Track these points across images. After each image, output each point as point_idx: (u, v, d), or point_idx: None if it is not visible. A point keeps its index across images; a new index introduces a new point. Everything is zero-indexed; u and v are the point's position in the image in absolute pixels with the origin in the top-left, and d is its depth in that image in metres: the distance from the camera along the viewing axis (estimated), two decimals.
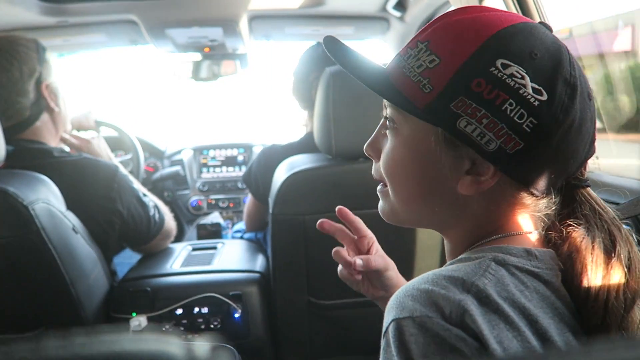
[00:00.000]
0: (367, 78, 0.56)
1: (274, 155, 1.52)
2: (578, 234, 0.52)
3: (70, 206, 1.22)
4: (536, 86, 0.47)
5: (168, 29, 1.81)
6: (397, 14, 1.83)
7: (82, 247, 1.22)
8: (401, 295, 0.46)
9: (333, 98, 1.17)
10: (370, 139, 0.62)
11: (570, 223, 0.53)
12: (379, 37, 2.12)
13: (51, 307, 1.18)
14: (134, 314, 1.32)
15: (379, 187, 0.62)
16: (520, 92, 0.47)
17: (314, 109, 1.61)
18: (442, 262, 1.36)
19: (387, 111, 0.58)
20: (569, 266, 0.52)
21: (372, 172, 0.62)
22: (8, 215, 1.05)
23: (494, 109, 0.48)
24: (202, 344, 0.20)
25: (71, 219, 1.20)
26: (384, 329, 0.46)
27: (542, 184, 0.52)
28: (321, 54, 1.60)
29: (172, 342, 0.20)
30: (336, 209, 0.80)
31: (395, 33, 1.99)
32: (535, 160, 0.50)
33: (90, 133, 1.86)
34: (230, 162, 2.55)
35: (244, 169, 2.52)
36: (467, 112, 0.49)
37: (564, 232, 0.54)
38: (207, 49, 2.08)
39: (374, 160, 0.62)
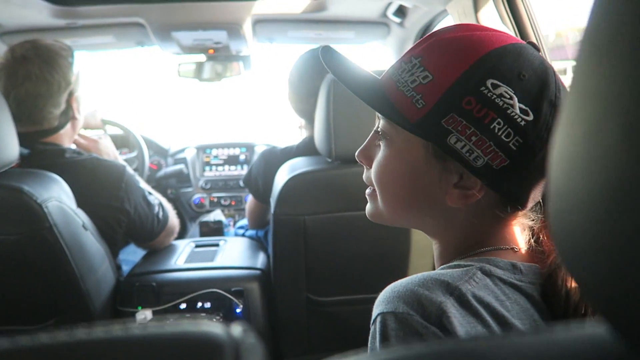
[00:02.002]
0: (363, 93, 0.57)
1: (273, 158, 1.56)
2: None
3: (79, 204, 1.27)
4: (523, 107, 0.50)
5: (174, 31, 1.86)
6: (397, 19, 1.87)
7: (91, 243, 1.27)
8: (389, 292, 0.50)
9: (333, 103, 1.22)
10: (362, 147, 0.64)
11: None
12: (379, 41, 2.16)
13: (62, 301, 1.23)
14: (139, 308, 1.37)
15: (368, 191, 0.65)
16: (508, 111, 0.50)
17: (309, 118, 1.64)
18: None
19: (380, 123, 0.60)
20: (551, 281, 0.54)
21: (363, 177, 0.65)
22: (22, 212, 1.10)
23: (482, 127, 0.50)
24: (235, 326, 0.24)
25: (81, 217, 1.25)
26: (372, 320, 0.51)
27: (525, 197, 0.54)
28: (315, 65, 1.57)
29: (211, 324, 0.24)
30: None
31: (395, 37, 2.04)
32: (520, 176, 0.53)
33: (97, 132, 1.92)
34: (232, 160, 2.60)
35: (245, 167, 2.57)
36: (457, 128, 0.51)
37: (546, 238, 0.57)
38: (211, 51, 2.12)
39: (365, 167, 0.64)
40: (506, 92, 0.50)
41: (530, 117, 0.50)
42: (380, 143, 0.60)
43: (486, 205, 0.55)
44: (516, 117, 0.50)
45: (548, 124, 0.51)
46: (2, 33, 1.76)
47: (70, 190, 1.24)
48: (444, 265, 0.56)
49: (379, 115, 0.60)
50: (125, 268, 1.57)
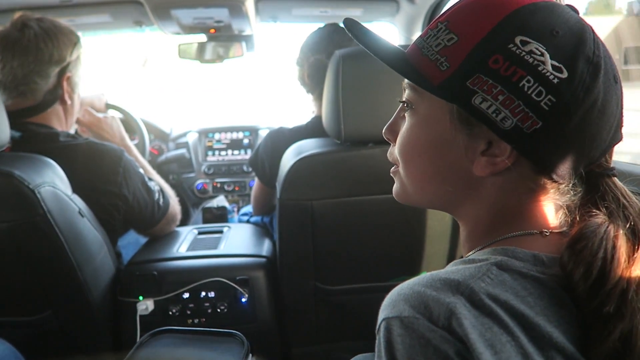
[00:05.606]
0: (385, 55, 0.56)
1: (281, 139, 1.50)
2: (599, 218, 0.49)
3: (75, 190, 1.21)
4: (556, 63, 0.47)
5: (173, 9, 1.78)
6: None
7: (88, 230, 1.22)
8: (394, 295, 0.47)
9: (343, 81, 1.15)
10: (389, 122, 0.61)
11: (590, 210, 0.50)
12: (387, 20, 2.07)
13: (58, 291, 1.18)
14: (140, 298, 1.32)
15: (392, 169, 0.62)
16: (539, 68, 0.47)
17: (315, 92, 1.59)
18: (452, 248, 1.35)
19: (405, 94, 0.57)
20: (574, 257, 0.47)
21: (387, 154, 0.62)
22: (14, 199, 1.04)
23: (510, 86, 0.47)
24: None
25: (77, 203, 1.19)
26: (377, 326, 0.47)
27: (562, 168, 0.50)
28: (322, 37, 1.57)
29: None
30: None
31: (405, 15, 1.95)
32: (555, 141, 0.49)
33: (111, 113, 1.86)
34: (235, 145, 2.53)
35: (249, 152, 2.50)
36: (483, 88, 0.48)
37: (577, 218, 0.51)
38: (212, 30, 2.04)
39: (391, 144, 0.62)
40: (537, 48, 0.47)
41: (564, 75, 0.47)
42: (405, 115, 0.58)
43: (517, 176, 0.52)
44: (548, 74, 0.47)
45: (585, 83, 0.47)
46: None
47: (64, 175, 1.18)
48: (457, 261, 0.52)
49: (405, 85, 0.57)
50: (126, 256, 1.51)
